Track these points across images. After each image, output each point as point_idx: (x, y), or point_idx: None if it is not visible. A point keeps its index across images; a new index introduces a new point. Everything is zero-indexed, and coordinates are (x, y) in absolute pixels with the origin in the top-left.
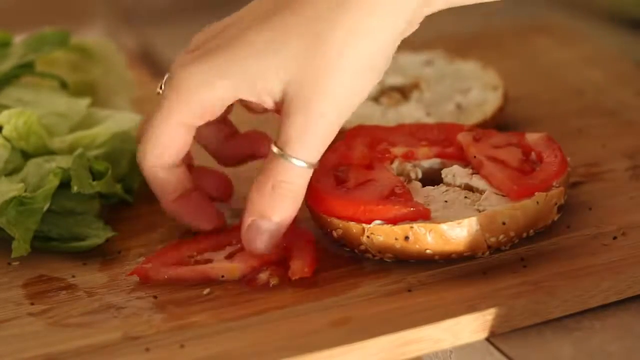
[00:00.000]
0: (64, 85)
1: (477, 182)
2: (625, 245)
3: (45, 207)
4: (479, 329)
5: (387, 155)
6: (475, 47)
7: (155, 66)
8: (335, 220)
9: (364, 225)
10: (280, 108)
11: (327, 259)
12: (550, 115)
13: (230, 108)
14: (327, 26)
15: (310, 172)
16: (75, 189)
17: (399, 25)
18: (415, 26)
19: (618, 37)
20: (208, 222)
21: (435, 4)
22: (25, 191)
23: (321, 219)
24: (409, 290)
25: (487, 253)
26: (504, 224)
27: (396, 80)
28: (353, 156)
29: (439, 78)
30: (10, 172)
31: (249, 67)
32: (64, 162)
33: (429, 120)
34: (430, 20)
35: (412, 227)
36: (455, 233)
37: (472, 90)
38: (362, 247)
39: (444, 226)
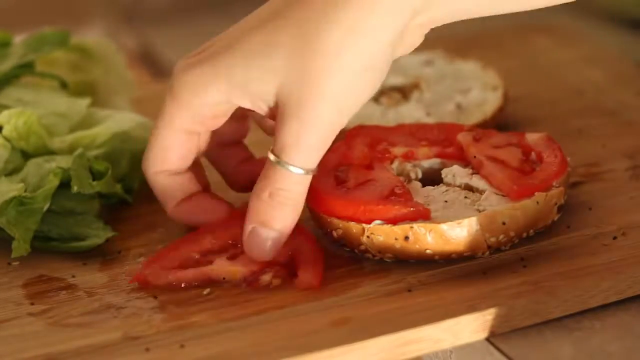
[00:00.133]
0: (64, 85)
1: (477, 182)
2: (625, 245)
3: (45, 207)
4: (479, 329)
5: (387, 155)
6: (475, 47)
7: (155, 66)
8: (335, 220)
9: (364, 225)
10: (275, 113)
11: (327, 259)
12: (550, 115)
13: (245, 130)
14: (323, 26)
15: (308, 178)
16: (75, 189)
17: (398, 25)
18: (413, 38)
19: (618, 37)
20: (215, 218)
21: (434, 12)
22: (25, 191)
23: (321, 219)
24: (409, 290)
25: (487, 253)
26: (504, 224)
27: (396, 80)
28: (353, 156)
29: (439, 78)
30: (10, 172)
31: (240, 70)
32: (64, 162)
33: (429, 120)
34: None
35: (412, 227)
36: (455, 233)
37: (472, 90)
38: (362, 247)
39: (444, 226)
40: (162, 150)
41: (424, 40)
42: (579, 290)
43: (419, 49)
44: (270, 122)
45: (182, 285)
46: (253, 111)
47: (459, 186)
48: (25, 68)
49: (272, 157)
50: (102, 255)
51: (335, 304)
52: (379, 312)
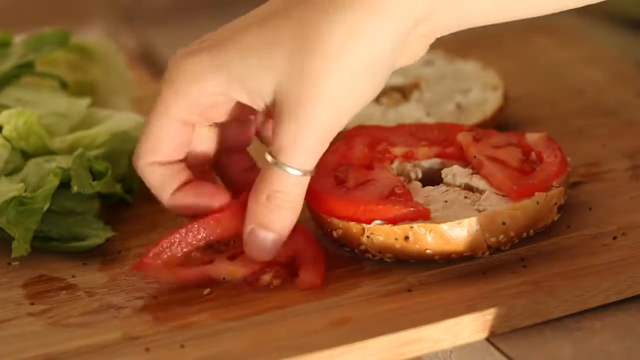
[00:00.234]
0: (64, 85)
1: (477, 182)
2: (625, 245)
3: (45, 207)
4: (479, 329)
5: (387, 155)
6: (475, 47)
7: (155, 66)
8: (335, 220)
9: (364, 225)
10: (272, 112)
11: (327, 259)
12: (550, 115)
13: (249, 136)
14: (324, 27)
15: (306, 180)
16: (75, 189)
17: (400, 30)
18: (417, 48)
19: (618, 37)
20: (214, 204)
21: (438, 21)
22: (25, 191)
23: (321, 219)
24: (409, 290)
25: (487, 253)
26: (504, 224)
27: (396, 80)
28: (353, 156)
29: (439, 78)
30: (10, 172)
31: (239, 66)
32: (64, 162)
33: (429, 120)
34: None
35: (412, 227)
36: (455, 233)
37: (472, 90)
38: (362, 247)
39: (444, 226)
40: (157, 141)
41: None
42: (579, 290)
43: None
44: (268, 133)
45: (183, 282)
46: (255, 116)
47: (459, 186)
48: (25, 68)
49: (269, 158)
50: (102, 255)
51: (335, 304)
52: (379, 312)
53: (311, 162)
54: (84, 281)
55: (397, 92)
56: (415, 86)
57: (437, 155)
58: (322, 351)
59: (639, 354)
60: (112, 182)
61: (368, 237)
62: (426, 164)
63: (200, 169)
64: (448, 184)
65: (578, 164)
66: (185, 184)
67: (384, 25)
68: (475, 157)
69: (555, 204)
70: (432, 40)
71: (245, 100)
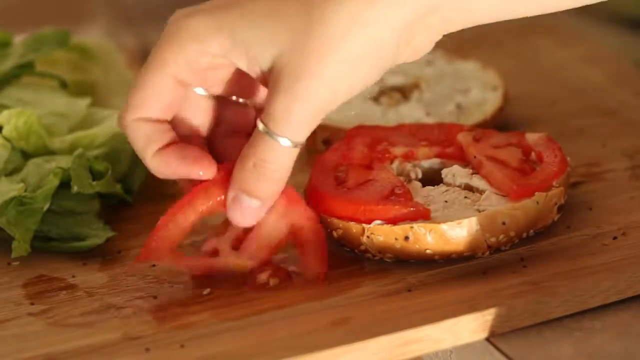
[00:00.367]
0: (64, 85)
1: (477, 182)
2: (625, 245)
3: (45, 207)
4: (479, 329)
5: (387, 155)
6: (475, 47)
7: None
8: (335, 220)
9: (364, 225)
10: (267, 80)
11: (327, 258)
12: (550, 115)
13: (248, 119)
14: (330, 9)
15: (295, 152)
16: (75, 189)
17: (406, 18)
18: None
19: (618, 37)
20: (198, 170)
21: (445, 14)
22: (25, 191)
23: (321, 219)
24: (409, 290)
25: (487, 253)
26: (504, 224)
27: (396, 80)
28: (353, 156)
29: (439, 78)
30: (10, 172)
31: (246, 31)
32: (64, 162)
33: (429, 120)
34: None
35: (412, 227)
36: (455, 233)
37: (472, 90)
38: (362, 247)
39: (444, 226)
40: (148, 96)
41: None
42: (579, 290)
43: None
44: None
45: (190, 270)
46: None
47: (459, 186)
48: (25, 68)
49: (260, 125)
50: (102, 255)
51: (336, 304)
52: (379, 312)
53: (302, 134)
54: (84, 281)
55: (397, 92)
56: (415, 86)
57: (437, 155)
58: (322, 351)
59: (639, 354)
60: (112, 182)
61: (368, 237)
62: (426, 164)
63: (192, 142)
64: (448, 184)
65: (578, 164)
66: (172, 143)
67: (389, 11)
68: (475, 157)
69: (555, 204)
70: (437, 37)
71: (243, 66)
